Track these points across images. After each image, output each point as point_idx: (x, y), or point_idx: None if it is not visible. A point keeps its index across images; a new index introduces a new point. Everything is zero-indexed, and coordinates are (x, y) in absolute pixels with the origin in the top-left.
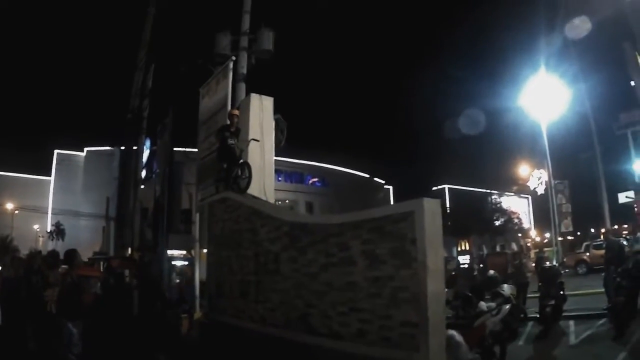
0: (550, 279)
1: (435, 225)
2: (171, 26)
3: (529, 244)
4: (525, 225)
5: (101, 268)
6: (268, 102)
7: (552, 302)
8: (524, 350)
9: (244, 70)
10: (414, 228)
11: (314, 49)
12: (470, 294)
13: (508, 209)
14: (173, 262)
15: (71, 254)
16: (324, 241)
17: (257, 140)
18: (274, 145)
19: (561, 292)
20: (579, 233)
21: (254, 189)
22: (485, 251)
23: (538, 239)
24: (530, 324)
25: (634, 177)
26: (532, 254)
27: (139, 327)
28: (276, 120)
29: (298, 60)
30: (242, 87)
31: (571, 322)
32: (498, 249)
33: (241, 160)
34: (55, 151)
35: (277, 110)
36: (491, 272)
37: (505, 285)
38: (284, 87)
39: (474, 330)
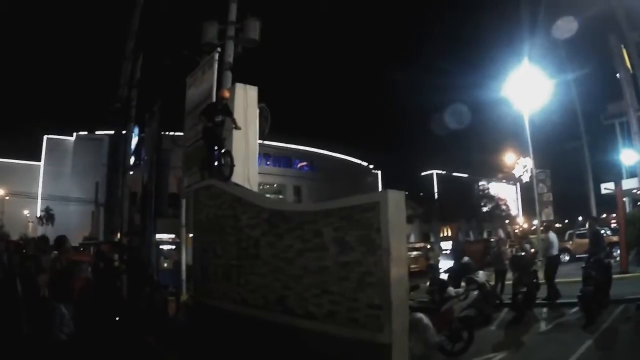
0: (523, 267)
1: (398, 215)
2: (160, 15)
3: (516, 231)
4: (513, 212)
5: (91, 253)
6: (252, 91)
7: (524, 289)
8: (495, 334)
9: (231, 59)
10: (379, 217)
11: (304, 36)
12: (445, 280)
13: (496, 195)
14: (161, 247)
15: (61, 240)
16: (300, 228)
17: (239, 128)
18: (257, 133)
19: (534, 280)
20: (567, 221)
21: (238, 177)
22: (472, 237)
23: (526, 225)
24: (504, 310)
25: (620, 167)
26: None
27: (128, 309)
28: (260, 109)
29: (287, 46)
30: (229, 75)
31: (545, 310)
32: (485, 235)
33: (224, 149)
34: (45, 136)
35: (263, 98)
36: (465, 259)
37: (481, 272)
38: (273, 73)
39: (442, 314)
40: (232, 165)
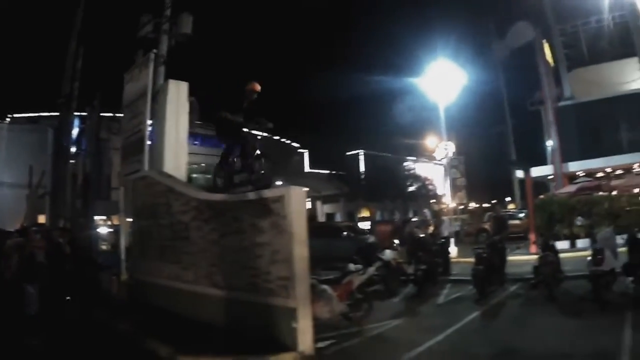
0: (423, 247)
1: (300, 205)
2: (99, 10)
3: (443, 209)
4: (440, 191)
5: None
6: (183, 86)
7: (424, 267)
8: (397, 306)
9: (164, 53)
10: (284, 207)
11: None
12: (356, 258)
13: (422, 175)
14: (98, 230)
15: (27, 231)
16: (223, 214)
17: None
18: (187, 126)
19: (436, 259)
20: (495, 201)
21: (169, 166)
22: (397, 216)
23: (453, 204)
24: (410, 285)
25: (544, 151)
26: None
27: (77, 288)
28: (190, 103)
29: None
30: (162, 70)
31: (448, 285)
32: (410, 214)
33: (258, 152)
34: None
35: (193, 88)
36: (371, 239)
37: (387, 251)
38: (205, 57)
39: (343, 286)
40: (268, 171)
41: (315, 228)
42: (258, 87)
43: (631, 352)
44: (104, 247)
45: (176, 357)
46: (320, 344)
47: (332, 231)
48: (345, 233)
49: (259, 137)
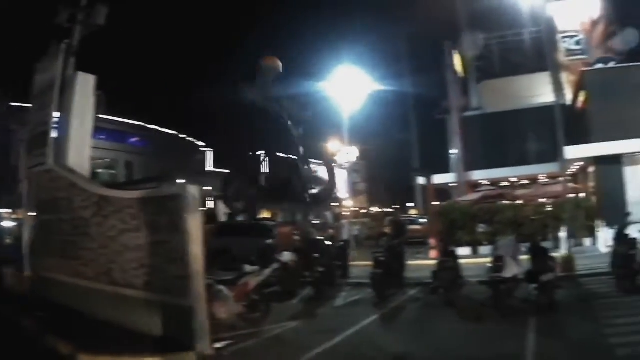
0: (320, 249)
1: (195, 205)
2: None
3: (345, 213)
4: (343, 195)
5: None
6: (91, 79)
7: (322, 269)
8: (295, 308)
9: (76, 44)
10: (181, 206)
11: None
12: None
13: (324, 178)
14: (2, 223)
15: None
16: (122, 211)
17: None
18: (93, 120)
19: (334, 262)
20: (397, 207)
21: (73, 161)
22: (298, 219)
23: (355, 208)
24: (308, 287)
25: (448, 159)
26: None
27: None
28: (97, 96)
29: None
30: (73, 61)
31: (347, 288)
32: (311, 217)
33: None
34: None
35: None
36: (268, 241)
37: (286, 253)
38: (113, 51)
39: (240, 287)
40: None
41: (247, 227)
42: (279, 63)
43: (535, 357)
44: (8, 241)
45: (77, 355)
46: (218, 345)
47: (263, 230)
48: (274, 232)
49: None
